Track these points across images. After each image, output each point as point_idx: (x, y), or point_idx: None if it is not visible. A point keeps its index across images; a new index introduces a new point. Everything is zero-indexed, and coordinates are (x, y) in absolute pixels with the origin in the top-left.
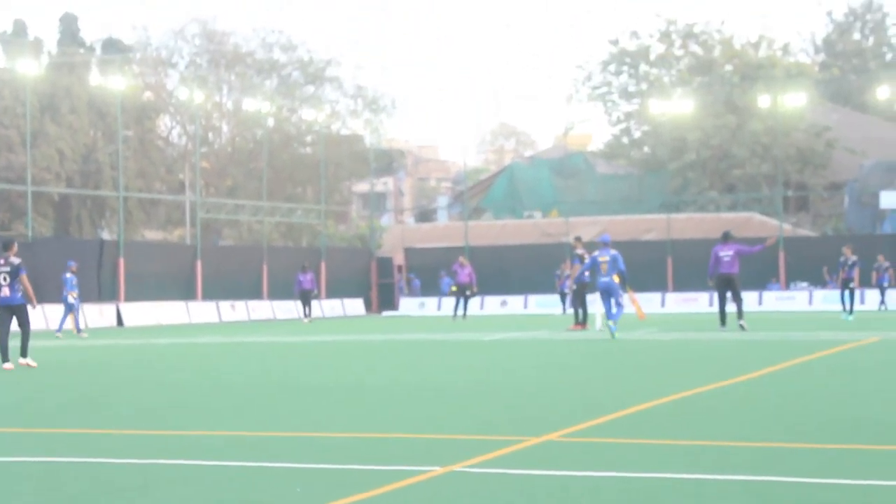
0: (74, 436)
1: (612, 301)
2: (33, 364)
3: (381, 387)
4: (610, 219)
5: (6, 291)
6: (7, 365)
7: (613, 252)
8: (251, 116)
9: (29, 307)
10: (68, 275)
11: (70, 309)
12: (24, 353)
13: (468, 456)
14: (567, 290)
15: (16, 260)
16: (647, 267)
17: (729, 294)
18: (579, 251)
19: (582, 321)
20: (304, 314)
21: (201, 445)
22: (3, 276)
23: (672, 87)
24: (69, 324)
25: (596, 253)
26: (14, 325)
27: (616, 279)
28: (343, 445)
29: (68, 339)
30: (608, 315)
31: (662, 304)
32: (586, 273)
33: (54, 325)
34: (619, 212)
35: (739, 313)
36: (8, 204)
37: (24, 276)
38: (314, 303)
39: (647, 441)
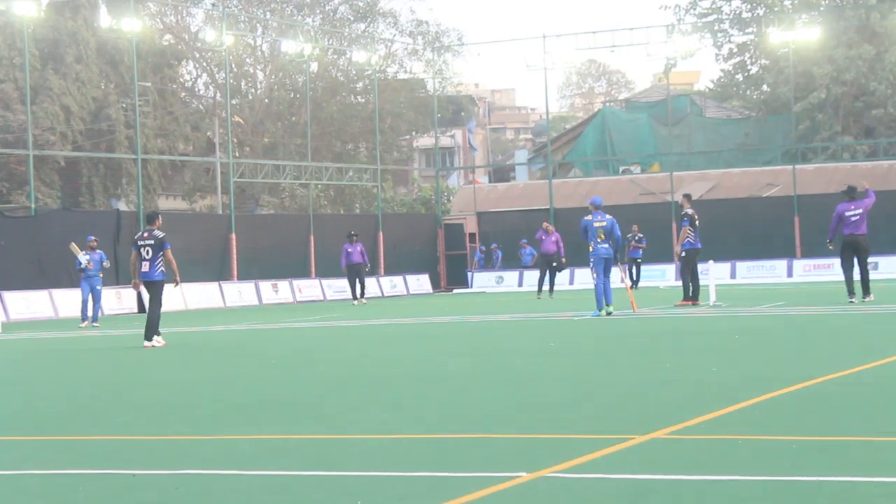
0: (85, 443)
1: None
2: (157, 344)
3: (453, 379)
4: (723, 172)
5: (146, 266)
6: (151, 343)
7: (609, 217)
8: (291, 61)
9: (169, 285)
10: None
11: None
12: (148, 336)
13: (560, 459)
14: (639, 258)
15: (159, 233)
16: (770, 229)
17: (856, 259)
18: (689, 210)
19: (693, 296)
20: (355, 294)
21: (241, 452)
22: (145, 250)
23: (795, 12)
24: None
25: (589, 217)
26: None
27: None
28: (411, 448)
29: (78, 329)
30: (606, 290)
31: (789, 273)
32: (692, 238)
33: (65, 313)
34: (733, 164)
35: (865, 285)
36: (6, 171)
37: (167, 251)
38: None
39: (771, 437)
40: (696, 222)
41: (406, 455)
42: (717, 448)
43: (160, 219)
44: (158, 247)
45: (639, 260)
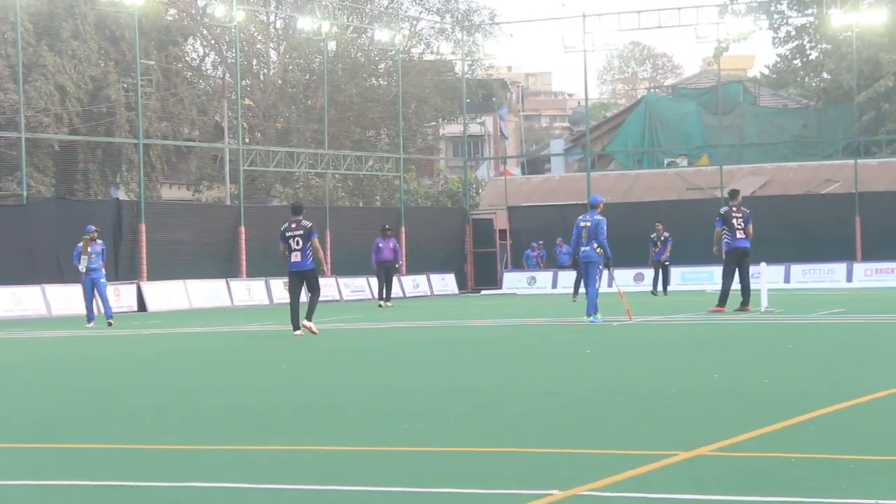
0: (79, 451)
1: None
2: (315, 330)
3: (480, 388)
4: (778, 166)
5: (297, 256)
6: (297, 332)
7: (599, 217)
8: (307, 39)
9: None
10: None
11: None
12: (308, 317)
13: (596, 476)
14: (666, 260)
15: (307, 223)
16: (828, 229)
17: None
18: (722, 208)
19: (744, 300)
20: (382, 295)
21: (249, 463)
22: (295, 240)
23: None
24: (78, 306)
25: (579, 217)
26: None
27: (598, 250)
28: (435, 462)
29: (85, 328)
30: (589, 296)
31: (849, 277)
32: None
33: (58, 311)
34: (789, 157)
35: None
36: None
37: (315, 240)
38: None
39: (827, 456)
40: (734, 219)
41: (429, 469)
42: (768, 467)
43: (303, 209)
44: (307, 236)
45: (666, 263)
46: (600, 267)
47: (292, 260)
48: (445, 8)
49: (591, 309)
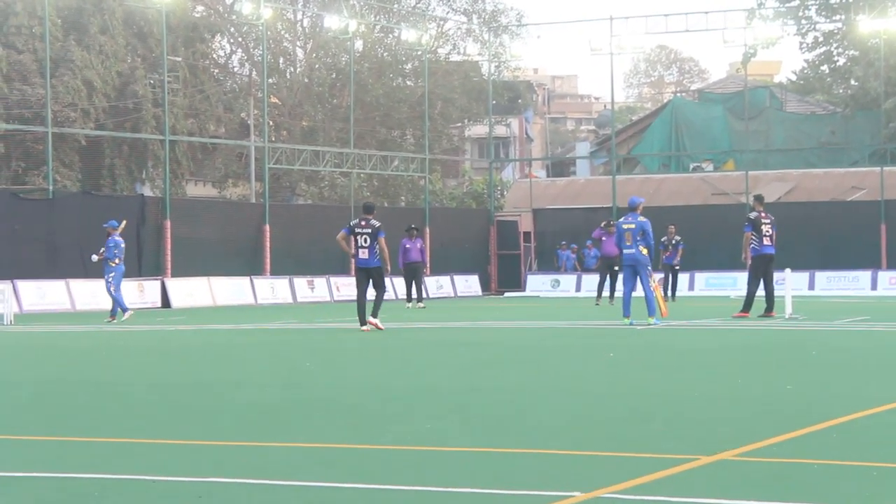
0: (101, 445)
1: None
2: (381, 326)
3: (504, 389)
4: (803, 172)
5: (364, 253)
6: (364, 328)
7: (642, 219)
8: (334, 38)
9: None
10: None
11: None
12: (374, 314)
13: (618, 479)
14: (676, 264)
15: (376, 223)
16: (853, 236)
17: None
18: (751, 214)
19: (768, 307)
20: (410, 295)
21: (272, 460)
22: (363, 237)
23: None
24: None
25: (621, 219)
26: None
27: (644, 252)
28: (458, 462)
29: (101, 323)
30: (625, 300)
31: (874, 285)
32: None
33: (82, 306)
34: (815, 164)
35: None
36: (22, 149)
37: (382, 239)
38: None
39: (850, 463)
40: (764, 226)
41: (451, 469)
42: (790, 472)
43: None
44: (375, 235)
45: (676, 267)
46: (649, 269)
47: (360, 256)
48: (472, 9)
49: (653, 310)
